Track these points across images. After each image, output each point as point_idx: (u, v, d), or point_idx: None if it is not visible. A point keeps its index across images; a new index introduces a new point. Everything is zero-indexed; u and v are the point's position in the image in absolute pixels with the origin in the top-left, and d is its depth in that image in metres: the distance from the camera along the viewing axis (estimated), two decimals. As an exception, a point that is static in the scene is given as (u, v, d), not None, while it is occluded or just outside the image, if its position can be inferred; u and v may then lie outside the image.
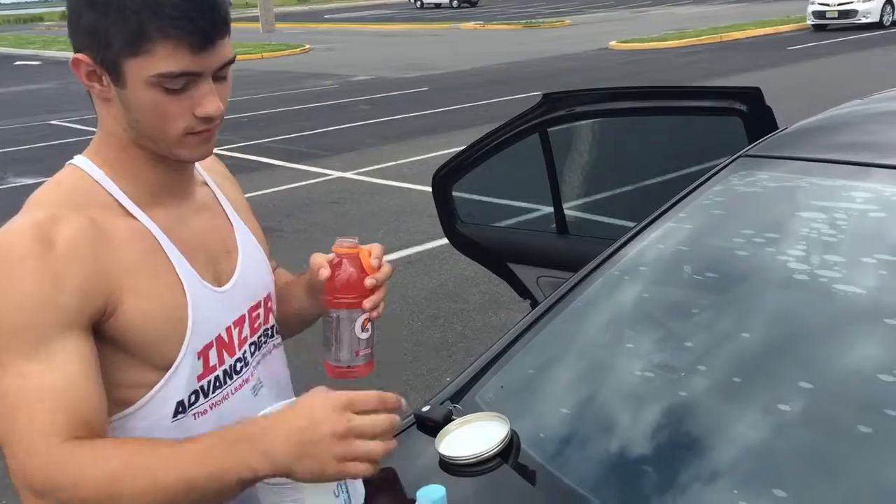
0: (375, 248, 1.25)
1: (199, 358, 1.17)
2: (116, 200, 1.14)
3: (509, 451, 1.25)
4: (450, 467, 1.25)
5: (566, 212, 2.52)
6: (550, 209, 2.54)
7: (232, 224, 1.29)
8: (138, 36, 1.04)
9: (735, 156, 1.66)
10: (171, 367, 1.14)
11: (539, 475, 1.22)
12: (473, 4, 47.60)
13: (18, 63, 27.23)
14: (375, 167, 8.84)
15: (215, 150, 1.23)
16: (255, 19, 32.52)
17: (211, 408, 1.19)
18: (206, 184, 1.30)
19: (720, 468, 1.12)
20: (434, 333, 4.63)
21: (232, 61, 1.12)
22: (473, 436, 1.28)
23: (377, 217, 6.90)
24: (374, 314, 1.24)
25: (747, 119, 2.02)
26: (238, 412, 1.17)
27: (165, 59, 1.05)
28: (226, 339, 1.21)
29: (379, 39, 28.49)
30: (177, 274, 1.15)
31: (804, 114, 1.86)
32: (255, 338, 1.28)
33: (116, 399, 1.12)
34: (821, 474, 1.05)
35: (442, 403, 1.40)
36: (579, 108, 2.38)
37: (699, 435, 1.20)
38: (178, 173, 1.20)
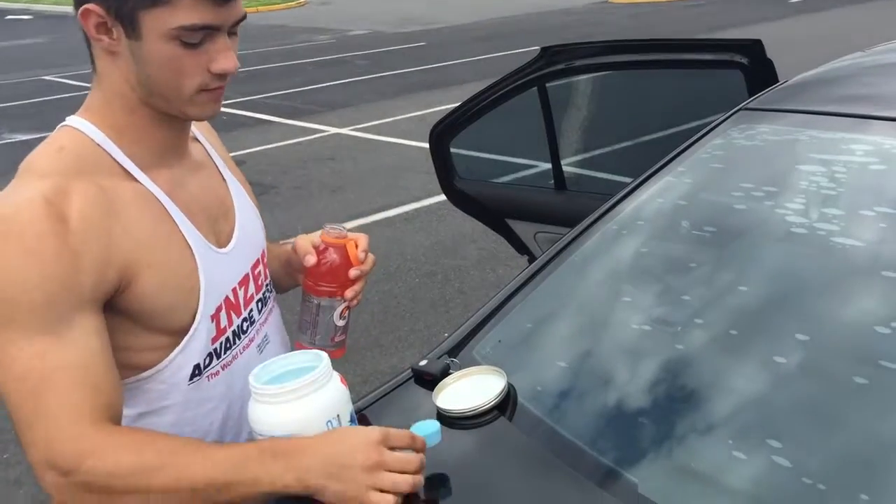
0: (362, 239, 1.26)
1: (212, 321, 1.18)
2: (120, 165, 1.11)
3: (506, 404, 1.26)
4: (447, 420, 1.25)
5: (564, 167, 2.51)
6: (548, 165, 2.53)
7: (226, 182, 1.28)
8: None
9: (735, 109, 1.65)
10: (187, 332, 1.15)
11: (536, 428, 1.23)
12: (471, -43, 46.73)
13: (9, 17, 26.86)
14: (372, 123, 8.78)
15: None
16: (249, -28, 32.07)
17: (223, 368, 1.22)
18: (197, 140, 1.28)
19: (716, 420, 1.13)
20: (432, 289, 4.63)
21: (244, 18, 1.11)
22: (471, 389, 1.29)
23: (374, 173, 6.87)
24: (354, 303, 1.26)
25: (748, 72, 2.00)
26: (245, 371, 1.17)
27: (187, 11, 1.03)
28: (232, 299, 1.23)
29: (376, -7, 28.09)
30: (185, 240, 1.15)
31: (806, 66, 1.84)
32: (260, 294, 1.29)
33: (131, 363, 1.14)
34: (816, 425, 1.06)
35: (439, 358, 1.41)
36: (578, 61, 2.36)
37: (695, 387, 1.21)
38: (182, 132, 1.19)
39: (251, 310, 1.26)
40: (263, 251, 1.33)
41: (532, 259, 2.53)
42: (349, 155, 7.59)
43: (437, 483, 1.13)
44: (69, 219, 1.02)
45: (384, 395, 1.38)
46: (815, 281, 1.26)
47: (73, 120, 1.13)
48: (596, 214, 1.58)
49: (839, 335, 1.15)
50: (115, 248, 1.06)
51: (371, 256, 1.28)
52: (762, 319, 1.23)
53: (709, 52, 2.13)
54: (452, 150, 2.67)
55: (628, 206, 1.56)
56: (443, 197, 2.83)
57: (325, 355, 1.17)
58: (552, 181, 2.53)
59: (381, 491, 1.01)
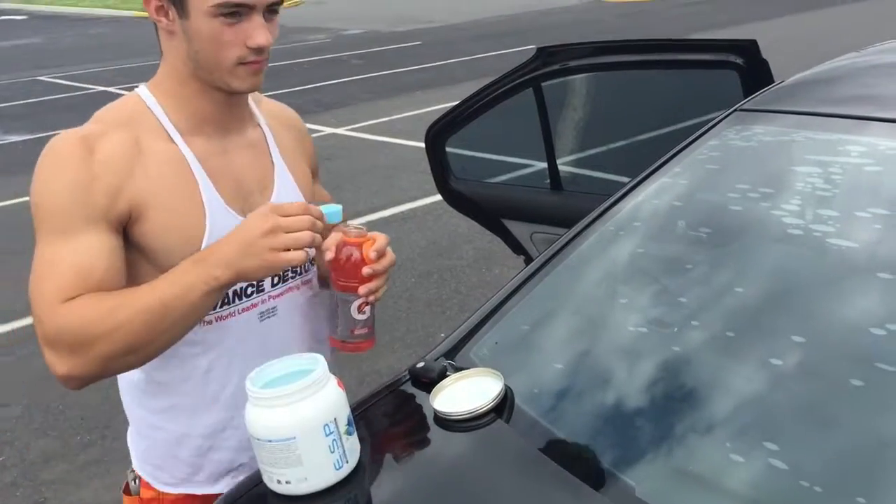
0: (380, 240, 1.33)
1: None
2: (162, 126, 1.30)
3: (503, 406, 1.26)
4: (445, 423, 1.25)
5: (560, 167, 2.51)
6: (544, 164, 2.53)
7: (274, 164, 1.41)
8: None
9: (730, 110, 1.65)
10: None
11: (533, 430, 1.23)
12: (466, -44, 46.70)
13: (4, 18, 26.78)
14: (368, 123, 8.77)
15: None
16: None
17: (217, 320, 1.33)
18: (259, 126, 1.43)
19: (713, 422, 1.13)
20: (428, 290, 4.63)
21: (280, 2, 1.28)
22: (468, 391, 1.29)
23: (370, 173, 6.86)
24: (371, 298, 1.33)
25: (743, 72, 2.00)
26: (241, 330, 1.35)
27: None
28: None
29: (371, -8, 28.05)
30: (200, 196, 1.29)
31: (802, 66, 1.84)
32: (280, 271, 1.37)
33: None
34: (813, 427, 1.06)
35: (437, 360, 1.41)
36: (574, 61, 2.35)
37: (692, 390, 1.21)
38: (227, 107, 1.34)
39: (262, 281, 1.36)
40: None
41: (529, 259, 2.53)
42: (345, 154, 7.58)
43: (434, 485, 1.13)
44: (96, 151, 1.23)
45: (382, 398, 1.38)
46: (810, 282, 1.26)
47: (140, 87, 1.35)
48: (592, 216, 1.58)
49: (835, 337, 1.15)
50: (131, 183, 1.24)
51: (389, 257, 1.34)
52: (758, 321, 1.23)
53: (704, 53, 2.13)
54: (448, 149, 2.67)
55: (625, 208, 1.56)
56: (439, 196, 2.83)
57: (321, 359, 1.17)
58: (548, 180, 2.53)
59: (286, 249, 1.18)
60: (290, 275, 1.42)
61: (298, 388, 1.11)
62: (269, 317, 1.39)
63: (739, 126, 1.59)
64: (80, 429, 3.56)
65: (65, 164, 1.22)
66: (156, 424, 1.40)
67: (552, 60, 2.35)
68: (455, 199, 2.73)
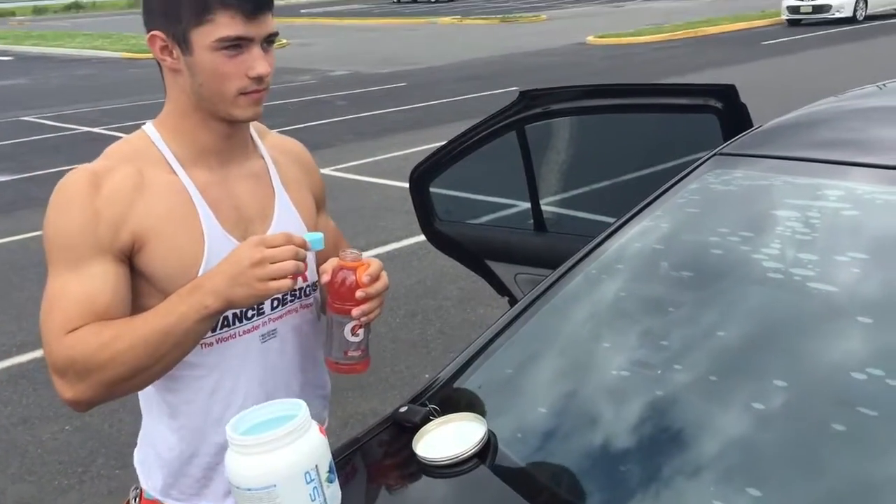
0: (374, 265, 1.39)
1: None
2: (165, 158, 1.36)
3: (487, 451, 1.25)
4: (428, 469, 1.24)
5: (543, 208, 2.53)
6: (527, 204, 2.54)
7: (275, 193, 1.46)
8: (203, 8, 1.27)
9: (710, 154, 1.67)
10: None
11: (516, 476, 1.22)
12: (451, -1, 47.54)
13: (-10, 58, 26.82)
14: (353, 163, 8.81)
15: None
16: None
17: (217, 342, 1.39)
18: (262, 157, 1.49)
19: (696, 467, 1.12)
20: (412, 330, 4.62)
21: (276, 34, 1.34)
22: (451, 437, 1.28)
23: (355, 213, 6.87)
24: (364, 320, 1.38)
25: (722, 116, 2.03)
26: (243, 352, 1.41)
27: (225, 26, 1.27)
28: None
29: (357, 34, 28.37)
30: (200, 225, 1.35)
31: (778, 108, 1.87)
32: (279, 294, 1.41)
33: None
34: (795, 472, 1.06)
35: (420, 403, 1.40)
36: (556, 105, 2.38)
37: (675, 433, 1.20)
38: (228, 140, 1.40)
39: (262, 303, 1.41)
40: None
41: (513, 300, 2.53)
42: (330, 194, 7.49)
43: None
44: (102, 187, 1.30)
45: (364, 443, 1.37)
46: (791, 326, 1.27)
47: (146, 124, 1.41)
48: (575, 258, 1.59)
49: (816, 381, 1.16)
50: (133, 215, 1.31)
51: (382, 281, 1.40)
52: (740, 365, 1.24)
53: (684, 97, 2.16)
54: (433, 190, 2.68)
55: (607, 250, 1.57)
56: (423, 237, 2.84)
57: (303, 404, 1.16)
58: (531, 221, 2.54)
59: (273, 279, 1.24)
60: (290, 298, 1.46)
61: (279, 435, 1.10)
62: (270, 338, 1.44)
63: (719, 170, 1.61)
64: (57, 473, 3.50)
65: (72, 200, 1.30)
66: (169, 442, 1.45)
67: (535, 104, 2.37)
68: (439, 240, 2.74)
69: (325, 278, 1.38)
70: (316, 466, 1.12)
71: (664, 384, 1.29)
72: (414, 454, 1.26)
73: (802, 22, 20.36)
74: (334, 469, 1.16)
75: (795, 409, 1.13)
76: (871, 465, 1.02)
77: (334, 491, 1.16)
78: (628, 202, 1.68)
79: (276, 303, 1.44)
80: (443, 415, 1.34)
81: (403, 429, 1.35)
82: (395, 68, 17.40)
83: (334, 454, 1.19)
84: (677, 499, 1.10)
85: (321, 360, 1.49)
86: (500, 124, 2.44)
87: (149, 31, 1.33)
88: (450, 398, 1.42)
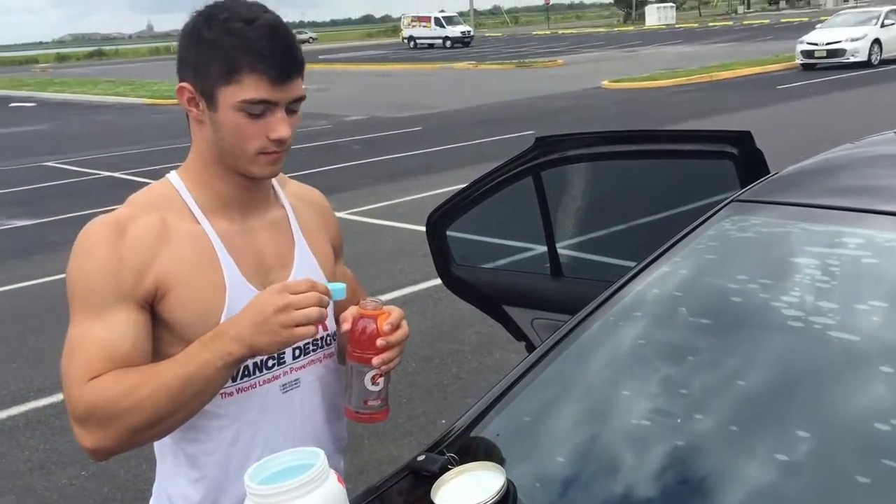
0: (394, 313, 1.39)
1: None
2: (188, 207, 1.39)
3: (506, 501, 1.23)
4: (446, 519, 1.23)
5: (560, 253, 2.53)
6: (544, 248, 2.54)
7: (295, 242, 1.48)
8: (231, 68, 1.29)
9: (727, 200, 1.67)
10: None
11: (536, 527, 1.20)
12: (466, 44, 48.16)
13: (14, 105, 27.37)
14: (369, 207, 8.87)
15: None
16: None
17: (237, 392, 1.39)
18: (283, 206, 1.51)
19: (719, 519, 1.10)
20: (429, 375, 4.60)
21: (302, 98, 1.37)
22: (469, 486, 1.26)
23: (372, 257, 6.90)
24: (384, 369, 1.37)
25: (738, 162, 2.03)
26: (263, 402, 1.41)
27: (251, 88, 1.30)
28: None
29: (373, 79, 28.75)
30: (222, 273, 1.36)
31: (795, 152, 1.88)
32: (301, 344, 1.44)
33: None
34: (820, 526, 1.04)
35: (438, 451, 1.39)
36: (571, 151, 2.40)
37: (696, 485, 1.19)
38: (248, 191, 1.42)
39: (283, 352, 1.42)
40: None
41: (530, 345, 2.52)
42: (345, 238, 7.57)
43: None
44: (126, 235, 1.32)
45: (382, 492, 1.36)
46: (813, 375, 1.25)
47: (170, 173, 1.44)
48: (593, 305, 1.58)
49: (839, 432, 1.14)
50: (157, 262, 1.32)
51: (402, 330, 1.39)
52: (762, 414, 1.22)
53: (699, 143, 2.17)
54: (449, 234, 2.69)
55: (625, 297, 1.57)
56: (439, 280, 2.84)
57: (321, 453, 1.16)
58: (548, 265, 2.54)
59: (298, 326, 1.24)
60: (312, 347, 1.47)
61: (297, 485, 1.09)
62: (291, 388, 1.44)
63: (737, 216, 1.61)
64: (72, 519, 3.48)
65: (97, 247, 1.32)
66: (187, 494, 1.44)
67: (551, 150, 2.39)
68: (456, 285, 2.74)
69: (346, 326, 1.38)
70: (334, 516, 1.11)
71: (684, 433, 1.28)
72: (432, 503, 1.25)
73: (817, 66, 20.46)
74: (352, 519, 1.15)
75: (819, 460, 1.12)
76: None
77: (352, 541, 1.15)
78: (644, 247, 1.68)
79: (297, 352, 1.44)
80: (461, 464, 1.33)
81: (421, 478, 1.34)
82: (410, 113, 17.59)
83: (352, 503, 1.18)
84: (700, 552, 1.08)
85: (342, 411, 1.49)
86: (517, 170, 2.46)
87: (180, 80, 1.36)
88: (468, 446, 1.41)
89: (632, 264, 1.67)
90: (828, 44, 20.30)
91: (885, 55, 20.29)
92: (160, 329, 1.36)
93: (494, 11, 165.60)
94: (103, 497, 3.64)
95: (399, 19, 62.16)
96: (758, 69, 21.64)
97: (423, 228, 2.74)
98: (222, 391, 1.37)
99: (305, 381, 1.46)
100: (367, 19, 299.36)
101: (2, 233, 8.88)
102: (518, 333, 2.60)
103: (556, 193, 2.55)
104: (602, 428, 1.40)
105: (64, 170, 13.06)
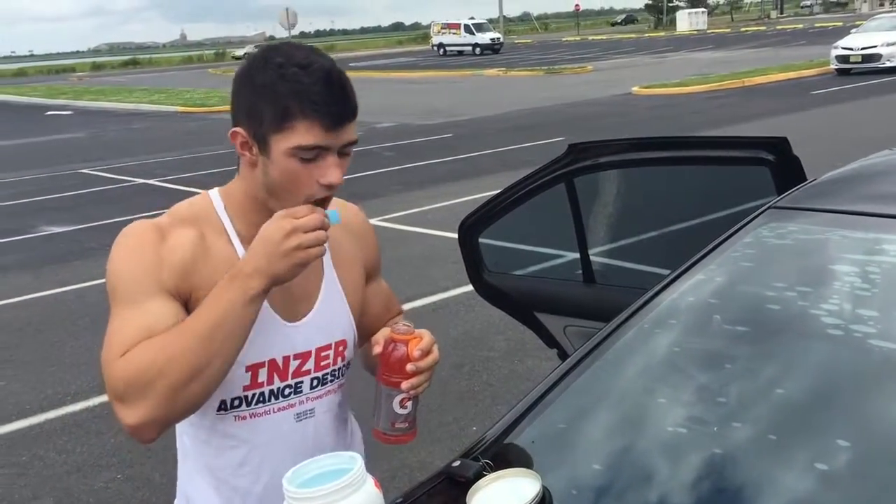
0: (426, 338, 1.40)
1: (246, 371, 1.39)
2: (225, 229, 1.41)
3: (541, 508, 1.23)
4: (481, 525, 1.23)
5: (592, 259, 2.52)
6: (576, 255, 2.54)
7: (324, 274, 1.48)
8: (285, 115, 1.29)
9: (764, 207, 1.66)
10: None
11: (572, 534, 1.20)
12: (496, 51, 48.16)
13: (50, 113, 27.85)
14: (400, 214, 8.90)
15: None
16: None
17: (251, 416, 1.41)
18: None
19: (758, 528, 1.10)
20: (460, 381, 4.60)
21: (355, 142, 1.37)
22: (504, 493, 1.26)
23: (403, 264, 6.92)
24: (413, 393, 1.39)
25: (774, 168, 2.02)
26: (275, 429, 1.43)
27: (304, 134, 1.30)
28: (280, 364, 1.42)
29: (403, 86, 28.87)
30: None
31: (829, 159, 1.86)
32: (319, 374, 1.47)
33: None
34: (862, 536, 1.03)
35: (472, 457, 1.39)
36: (604, 158, 2.39)
37: (733, 494, 1.18)
38: None
39: (301, 381, 1.44)
40: (340, 342, 1.50)
41: (562, 352, 2.51)
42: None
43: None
44: (167, 239, 1.36)
45: (417, 498, 1.37)
46: (853, 384, 1.24)
47: (212, 189, 1.46)
48: (628, 312, 1.58)
49: (881, 442, 1.13)
50: (194, 273, 1.35)
51: (433, 355, 1.40)
52: (801, 423, 1.21)
53: (735, 150, 2.15)
54: (482, 241, 2.69)
55: (661, 304, 1.56)
56: (470, 287, 2.85)
57: (359, 458, 1.17)
58: (580, 271, 2.53)
59: (308, 248, 1.27)
60: (330, 378, 1.49)
61: (335, 489, 1.11)
62: (305, 418, 1.46)
63: (774, 223, 1.59)
64: (109, 522, 3.53)
65: (140, 245, 1.35)
66: (208, 498, 1.47)
67: (583, 157, 2.39)
68: (488, 291, 2.74)
69: (378, 349, 1.39)
70: (371, 521, 1.12)
71: (722, 442, 1.27)
72: (468, 510, 1.25)
73: (852, 71, 20.20)
74: (389, 524, 1.16)
75: (860, 469, 1.10)
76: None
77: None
78: (678, 253, 1.68)
79: (315, 382, 1.46)
80: (496, 470, 1.33)
81: (456, 484, 1.35)
82: (440, 120, 17.63)
83: (388, 508, 1.18)
84: (739, 561, 1.07)
85: (352, 437, 1.54)
86: (549, 176, 2.46)
87: (234, 124, 1.36)
88: (503, 453, 1.41)
89: (665, 271, 1.67)
90: (863, 49, 20.03)
91: (922, 60, 19.97)
92: None
93: (524, 18, 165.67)
94: (139, 500, 3.68)
95: (429, 27, 62.33)
96: (792, 74, 21.40)
97: (455, 235, 2.75)
98: (236, 414, 1.40)
99: (320, 410, 1.48)
100: (397, 27, 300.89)
101: (40, 239, 9.04)
102: (550, 341, 2.59)
103: (588, 200, 2.55)
104: (638, 436, 1.40)
105: (100, 177, 13.26)
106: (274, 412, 1.42)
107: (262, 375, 1.41)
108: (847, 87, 17.73)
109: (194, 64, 78.02)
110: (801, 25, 54.50)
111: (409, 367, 1.36)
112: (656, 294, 1.59)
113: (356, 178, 11.31)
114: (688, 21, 64.03)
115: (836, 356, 1.30)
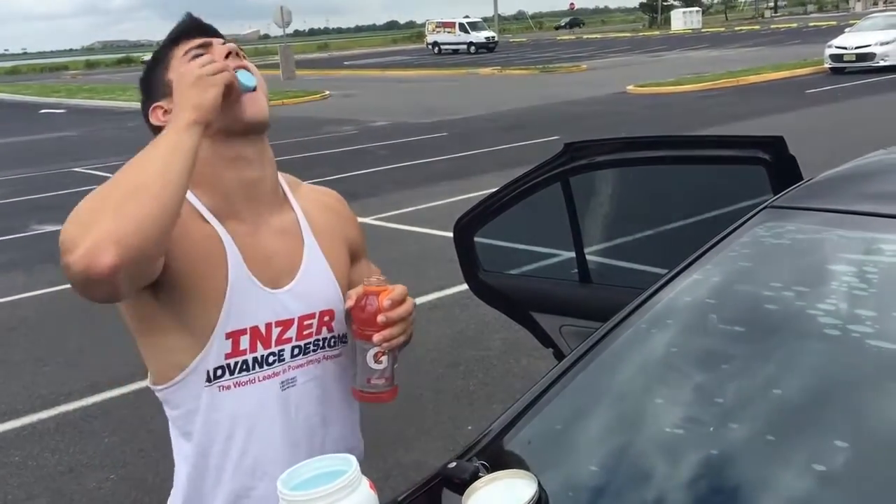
0: (397, 289, 1.40)
1: (226, 338, 1.40)
2: (197, 210, 1.40)
3: (538, 510, 1.23)
4: (477, 527, 1.22)
5: (588, 258, 2.52)
6: (571, 254, 2.53)
7: (304, 244, 1.49)
8: (165, 54, 1.47)
9: (761, 207, 1.65)
10: (208, 341, 1.38)
11: (568, 535, 1.19)
12: (491, 50, 48.16)
13: (44, 111, 27.76)
14: (395, 212, 8.89)
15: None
16: (276, 66, 33.07)
17: (235, 385, 1.41)
18: (293, 210, 1.52)
19: (755, 530, 1.09)
20: (455, 381, 4.60)
21: (236, 51, 1.43)
22: (501, 494, 1.26)
23: (398, 262, 6.90)
24: (385, 346, 1.37)
25: (770, 167, 2.01)
26: (261, 398, 1.43)
27: (182, 47, 1.44)
28: (262, 332, 1.43)
29: (398, 85, 28.86)
30: (227, 269, 1.38)
31: (824, 158, 1.85)
32: (301, 343, 1.47)
33: (175, 362, 1.40)
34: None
35: (468, 458, 1.39)
36: (601, 157, 2.39)
37: (731, 495, 1.18)
38: (253, 185, 1.44)
39: (283, 350, 1.44)
40: (325, 312, 1.50)
41: (558, 352, 2.51)
42: (372, 243, 7.59)
43: None
44: None
45: (413, 499, 1.36)
46: (851, 384, 1.24)
47: None
48: (625, 312, 1.57)
49: (879, 442, 1.12)
50: (174, 250, 1.31)
51: (404, 306, 1.39)
52: (798, 424, 1.21)
53: (731, 149, 2.15)
54: (477, 240, 2.69)
55: (657, 305, 1.56)
56: (465, 286, 2.84)
57: (354, 459, 1.16)
58: (576, 271, 2.53)
59: (215, 74, 1.32)
60: (312, 347, 1.48)
61: (330, 491, 1.10)
62: (289, 386, 1.46)
63: (771, 223, 1.59)
64: (102, 522, 3.52)
65: None
66: (186, 481, 1.47)
67: (579, 156, 2.38)
68: (483, 291, 2.73)
69: (350, 303, 1.39)
70: (366, 523, 1.11)
71: (719, 442, 1.26)
72: (463, 511, 1.24)
73: (846, 70, 20.24)
74: (384, 526, 1.15)
75: (858, 470, 1.10)
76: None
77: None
78: (674, 253, 1.67)
79: (296, 350, 1.46)
80: (492, 471, 1.32)
81: (452, 485, 1.34)
82: (435, 118, 17.61)
83: (383, 508, 1.18)
84: (737, 563, 1.07)
85: (354, 419, 1.51)
86: (545, 176, 2.45)
87: (150, 109, 1.47)
88: (498, 454, 1.40)
89: (661, 271, 1.66)
90: (857, 48, 20.08)
91: (916, 59, 20.03)
92: (161, 317, 1.38)
93: (519, 17, 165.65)
94: (132, 500, 3.67)
95: (423, 25, 62.33)
96: (785, 73, 21.44)
97: (450, 234, 2.74)
98: (220, 384, 1.40)
99: (303, 380, 1.47)
100: (392, 25, 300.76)
101: (33, 238, 9.01)
102: (546, 340, 2.58)
103: (584, 199, 2.54)
104: (635, 436, 1.39)
105: (93, 175, 13.22)
106: (259, 381, 1.43)
107: (244, 343, 1.41)
108: (841, 86, 17.77)
109: (188, 62, 77.50)
110: (795, 25, 54.62)
111: (380, 318, 1.35)
112: (653, 294, 1.59)
113: (350, 176, 11.30)
114: (682, 20, 64.12)
115: (832, 356, 1.30)
